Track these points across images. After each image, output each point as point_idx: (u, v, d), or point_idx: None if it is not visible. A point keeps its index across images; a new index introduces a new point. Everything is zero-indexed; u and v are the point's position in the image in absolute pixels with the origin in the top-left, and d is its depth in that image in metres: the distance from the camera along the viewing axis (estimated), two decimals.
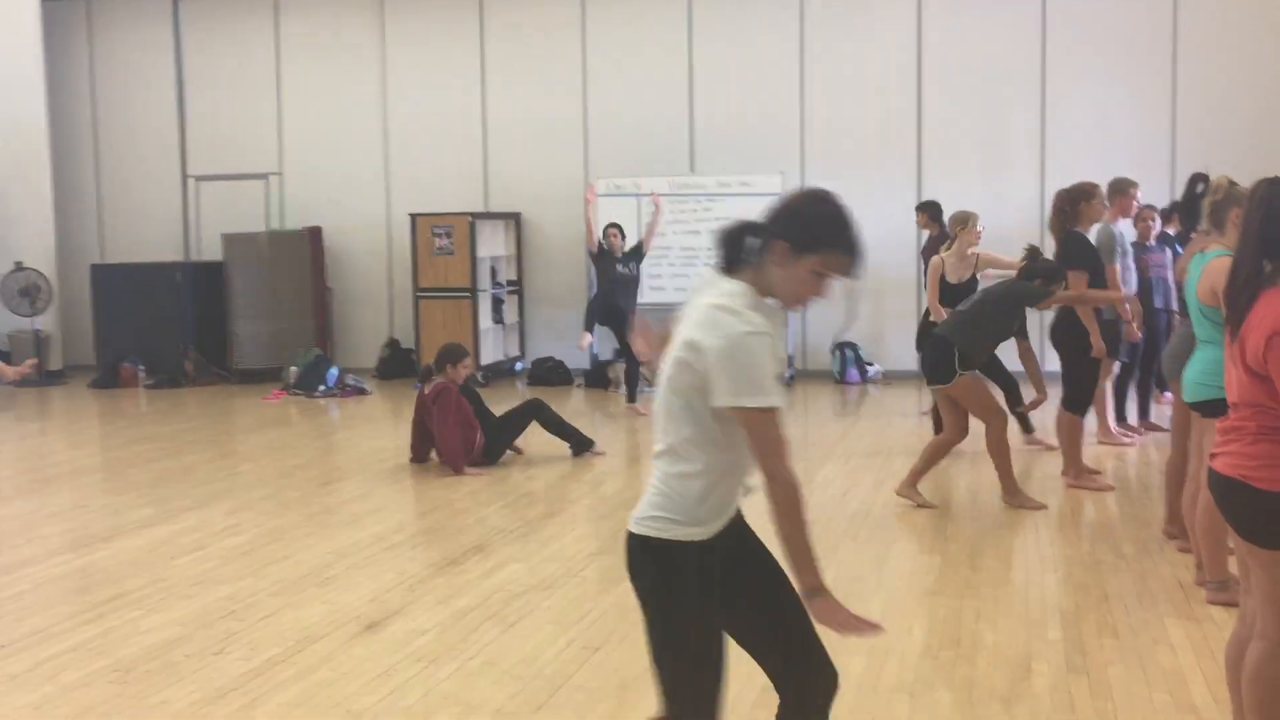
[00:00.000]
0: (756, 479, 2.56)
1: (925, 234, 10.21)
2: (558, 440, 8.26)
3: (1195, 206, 5.57)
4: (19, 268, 12.90)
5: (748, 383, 2.43)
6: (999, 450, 6.56)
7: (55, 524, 6.73)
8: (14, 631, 4.83)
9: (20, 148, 13.17)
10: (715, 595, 2.59)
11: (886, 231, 11.85)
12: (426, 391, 7.88)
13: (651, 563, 2.58)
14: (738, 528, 2.67)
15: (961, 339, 6.51)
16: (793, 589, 2.61)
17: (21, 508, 7.22)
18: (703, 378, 2.49)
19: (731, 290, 2.53)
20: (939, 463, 6.74)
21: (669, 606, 2.58)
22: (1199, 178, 5.68)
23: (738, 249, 2.59)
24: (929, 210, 9.99)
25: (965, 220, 8.33)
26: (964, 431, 6.64)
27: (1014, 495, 6.59)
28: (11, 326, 13.15)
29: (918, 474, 6.65)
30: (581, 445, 8.24)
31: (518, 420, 8.18)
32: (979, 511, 6.51)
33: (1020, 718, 3.79)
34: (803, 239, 2.52)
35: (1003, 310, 6.65)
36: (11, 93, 13.11)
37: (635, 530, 2.61)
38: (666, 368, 2.59)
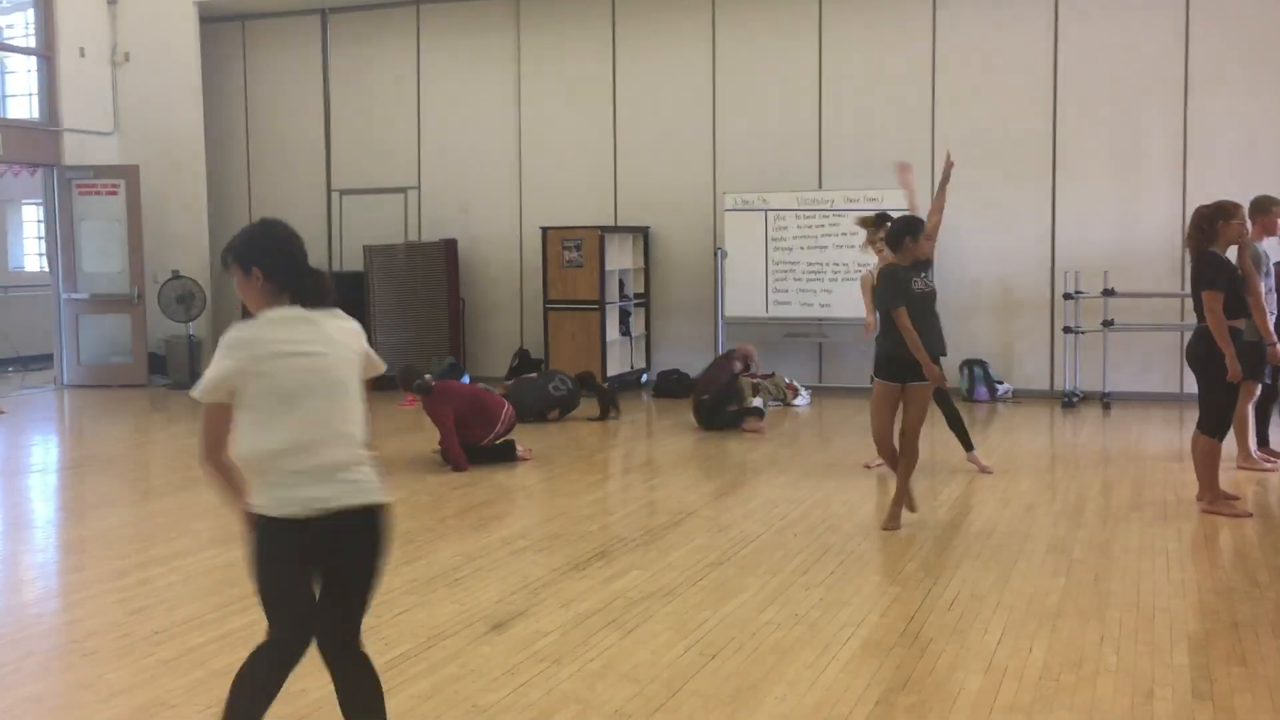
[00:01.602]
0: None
1: None
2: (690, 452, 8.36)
3: None
4: (176, 276, 13.62)
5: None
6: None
7: (204, 520, 7.11)
8: (167, 619, 5.15)
9: (180, 162, 14.02)
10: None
11: (1018, 248, 11.69)
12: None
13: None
14: (345, 531, 3.30)
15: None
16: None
17: (173, 503, 7.66)
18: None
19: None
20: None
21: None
22: None
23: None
24: None
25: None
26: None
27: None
28: (167, 332, 13.87)
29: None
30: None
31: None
32: (1109, 536, 6.40)
33: None
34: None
35: None
36: (173, 109, 14.00)
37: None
38: None
